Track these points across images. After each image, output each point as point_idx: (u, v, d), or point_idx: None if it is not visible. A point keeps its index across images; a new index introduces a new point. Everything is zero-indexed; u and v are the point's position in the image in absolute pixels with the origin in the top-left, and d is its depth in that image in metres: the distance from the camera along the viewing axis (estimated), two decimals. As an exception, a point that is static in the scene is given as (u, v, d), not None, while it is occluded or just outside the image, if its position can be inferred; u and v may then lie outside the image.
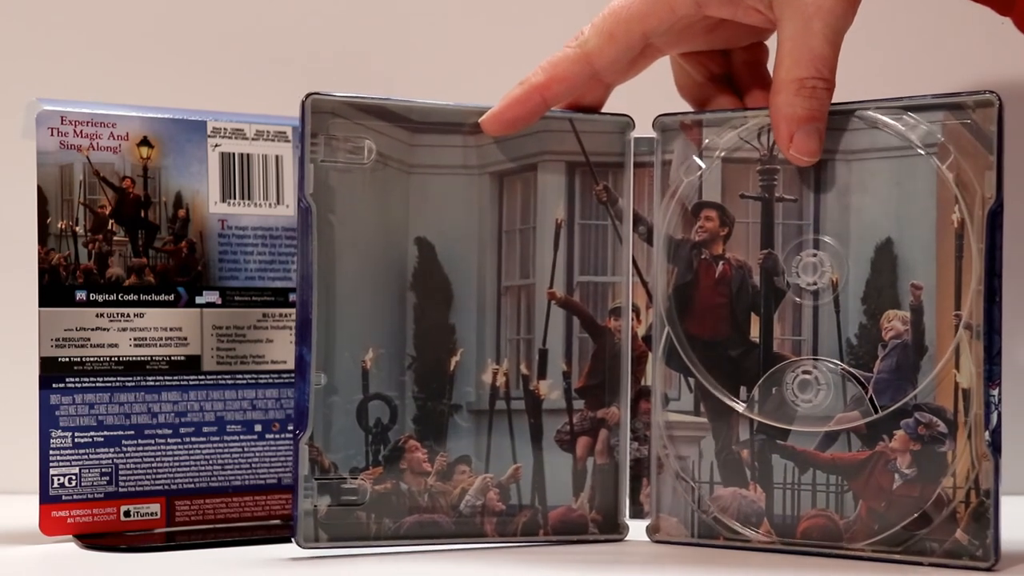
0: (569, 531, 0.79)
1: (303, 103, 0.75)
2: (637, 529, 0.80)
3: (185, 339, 0.83)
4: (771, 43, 0.79)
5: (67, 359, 0.81)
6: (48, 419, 0.81)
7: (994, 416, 0.71)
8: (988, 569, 0.71)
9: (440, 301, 0.78)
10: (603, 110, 0.80)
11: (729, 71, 0.81)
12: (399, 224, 0.77)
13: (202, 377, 0.84)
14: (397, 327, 0.77)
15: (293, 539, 0.75)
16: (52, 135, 0.80)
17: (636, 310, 0.80)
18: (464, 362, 0.78)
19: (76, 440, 0.81)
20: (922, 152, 0.73)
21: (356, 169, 0.76)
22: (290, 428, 0.84)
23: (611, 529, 0.80)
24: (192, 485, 0.84)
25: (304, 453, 0.75)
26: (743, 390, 0.77)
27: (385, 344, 0.76)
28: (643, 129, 0.80)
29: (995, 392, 0.71)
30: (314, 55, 1.04)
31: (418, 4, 1.06)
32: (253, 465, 0.85)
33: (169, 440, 0.83)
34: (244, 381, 0.85)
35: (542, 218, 0.79)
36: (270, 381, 0.85)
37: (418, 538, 0.77)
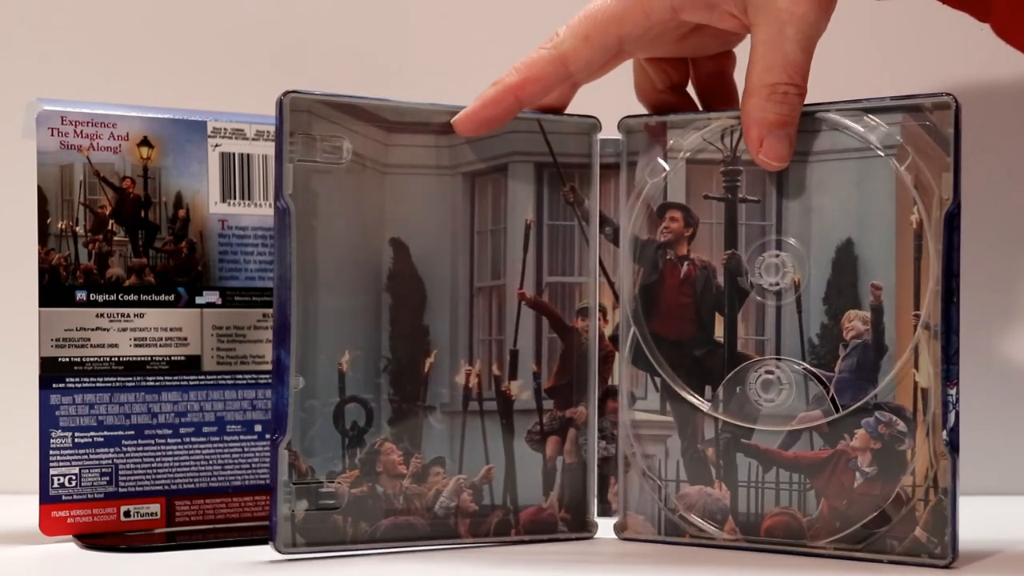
0: (540, 530, 0.80)
1: (280, 101, 0.74)
2: (605, 527, 0.81)
3: (185, 339, 0.84)
4: (741, 52, 0.80)
5: (67, 359, 0.81)
6: (48, 419, 0.81)
7: (952, 415, 0.72)
8: (946, 567, 0.72)
9: (414, 302, 0.78)
10: (569, 111, 0.80)
11: (691, 80, 0.82)
12: (375, 225, 0.77)
13: (202, 377, 0.85)
14: (373, 329, 0.77)
15: (271, 544, 0.74)
16: (52, 135, 0.81)
17: (603, 310, 0.81)
18: (438, 363, 0.78)
19: (76, 440, 0.82)
20: (881, 154, 0.74)
21: (334, 169, 0.76)
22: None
23: (580, 527, 0.81)
24: (192, 485, 0.85)
25: (284, 458, 0.75)
26: (708, 389, 0.78)
27: (361, 346, 0.77)
28: (608, 131, 0.80)
29: (953, 391, 0.72)
30: (315, 55, 1.04)
31: (420, 4, 1.06)
32: (253, 465, 0.86)
33: (169, 440, 0.84)
34: (244, 381, 0.86)
35: (512, 219, 0.80)
36: (270, 381, 0.85)
37: (394, 541, 0.77)
